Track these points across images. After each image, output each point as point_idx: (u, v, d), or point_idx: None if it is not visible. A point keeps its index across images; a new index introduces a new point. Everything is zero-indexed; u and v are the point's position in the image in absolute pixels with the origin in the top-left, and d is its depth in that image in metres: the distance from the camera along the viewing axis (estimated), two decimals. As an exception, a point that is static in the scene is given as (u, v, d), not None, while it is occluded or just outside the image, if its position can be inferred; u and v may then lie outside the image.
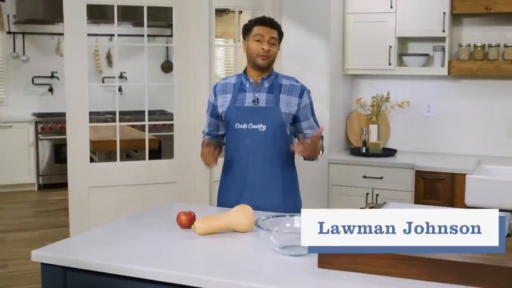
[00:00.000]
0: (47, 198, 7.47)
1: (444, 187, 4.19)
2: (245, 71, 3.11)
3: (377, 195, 4.42)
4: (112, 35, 8.05)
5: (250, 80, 3.06)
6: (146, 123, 4.51)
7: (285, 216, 2.43)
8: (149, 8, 4.39)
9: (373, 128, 4.77)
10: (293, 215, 2.41)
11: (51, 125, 7.84)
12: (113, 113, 7.68)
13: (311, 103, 3.14)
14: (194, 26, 4.38)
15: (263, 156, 3.02)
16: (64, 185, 7.74)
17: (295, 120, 3.09)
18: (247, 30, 3.06)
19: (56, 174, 7.91)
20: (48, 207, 7.04)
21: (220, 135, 3.22)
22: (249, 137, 3.02)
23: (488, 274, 1.92)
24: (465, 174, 4.07)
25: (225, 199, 3.13)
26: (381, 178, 4.42)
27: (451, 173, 4.17)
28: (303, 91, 3.09)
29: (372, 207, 2.64)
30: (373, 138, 4.76)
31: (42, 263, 2.29)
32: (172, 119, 7.79)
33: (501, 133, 4.64)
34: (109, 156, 5.88)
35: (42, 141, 7.82)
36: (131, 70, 8.18)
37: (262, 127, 3.01)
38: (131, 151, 6.36)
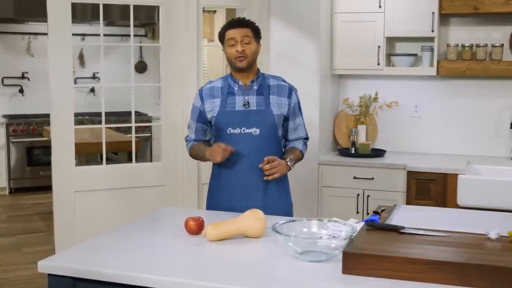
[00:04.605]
0: (20, 203, 7.26)
1: (436, 188, 4.18)
2: (231, 74, 3.05)
3: (368, 196, 4.40)
4: (84, 34, 7.99)
5: (240, 83, 3.00)
6: (133, 124, 4.38)
7: (302, 220, 2.36)
8: (122, 7, 4.25)
9: (362, 128, 4.75)
10: (310, 220, 2.35)
11: (22, 127, 7.64)
12: (85, 115, 7.64)
13: (298, 102, 3.12)
14: (181, 26, 4.28)
15: (258, 160, 2.95)
16: (36, 189, 7.64)
17: (285, 120, 3.08)
18: (221, 37, 3.02)
19: (28, 178, 7.73)
20: (22, 212, 6.84)
21: (208, 141, 3.15)
22: (242, 141, 2.97)
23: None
24: (457, 174, 4.08)
25: (216, 203, 3.07)
26: (372, 179, 4.39)
27: (443, 173, 4.16)
28: (291, 90, 3.07)
29: (382, 210, 2.59)
30: (361, 138, 4.73)
31: (49, 274, 2.18)
32: (146, 121, 7.76)
33: (489, 133, 4.65)
34: (89, 159, 5.74)
35: (14, 143, 7.61)
36: (104, 71, 8.04)
37: (255, 131, 2.96)
38: (111, 153, 6.22)
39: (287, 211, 3.07)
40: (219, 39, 3.03)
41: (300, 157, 3.14)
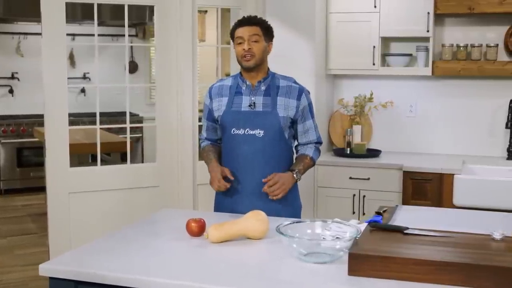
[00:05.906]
0: (10, 204, 7.20)
1: (432, 187, 4.17)
2: (241, 73, 3.02)
3: (364, 196, 4.39)
4: (74, 34, 7.93)
5: (247, 83, 2.97)
6: (128, 125, 4.36)
7: (305, 221, 2.35)
8: (113, 7, 4.21)
9: (357, 128, 4.74)
10: (314, 221, 2.34)
11: (12, 128, 7.59)
12: (76, 115, 7.57)
13: (309, 104, 3.05)
14: (176, 26, 4.26)
15: (261, 162, 2.93)
16: (27, 190, 7.56)
17: (293, 123, 3.01)
18: (231, 35, 2.98)
19: (18, 179, 7.67)
20: (13, 213, 6.77)
21: (219, 139, 3.13)
22: (246, 143, 2.93)
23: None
24: (452, 174, 4.08)
25: (223, 206, 3.04)
26: (368, 179, 4.38)
27: (439, 173, 4.15)
28: (301, 92, 3.00)
29: (384, 211, 2.59)
30: (357, 138, 4.72)
31: (50, 277, 2.15)
32: (137, 121, 7.71)
33: (484, 133, 4.66)
34: (82, 160, 5.69)
35: (4, 144, 7.56)
36: (95, 71, 7.99)
37: (259, 133, 2.92)
38: (103, 154, 6.18)
39: (295, 213, 3.01)
40: (230, 37, 3.00)
41: (311, 165, 3.07)
